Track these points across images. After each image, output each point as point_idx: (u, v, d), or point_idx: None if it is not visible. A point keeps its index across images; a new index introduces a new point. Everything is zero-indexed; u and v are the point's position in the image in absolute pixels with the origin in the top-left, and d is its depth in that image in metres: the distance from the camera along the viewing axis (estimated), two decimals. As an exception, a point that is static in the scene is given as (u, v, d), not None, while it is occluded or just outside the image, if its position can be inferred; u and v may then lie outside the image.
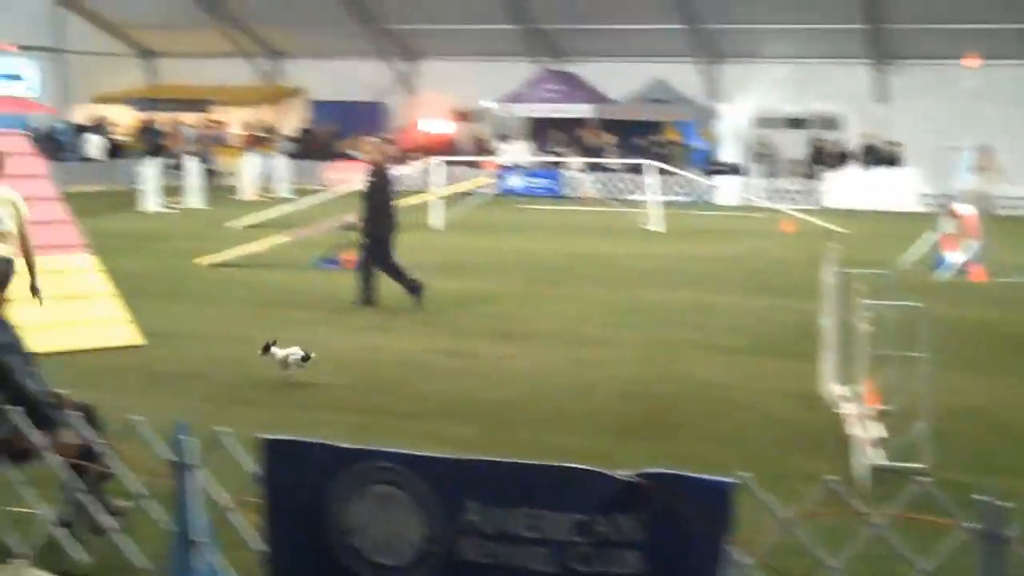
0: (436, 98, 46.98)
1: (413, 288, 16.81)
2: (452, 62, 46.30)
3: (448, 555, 5.61)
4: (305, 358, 11.91)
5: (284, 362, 11.88)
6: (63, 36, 47.38)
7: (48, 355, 10.44)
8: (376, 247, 16.80)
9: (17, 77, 45.59)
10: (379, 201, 16.81)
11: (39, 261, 11.55)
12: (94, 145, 43.67)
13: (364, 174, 17.31)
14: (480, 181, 34.99)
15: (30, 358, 7.40)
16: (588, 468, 5.61)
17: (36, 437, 6.77)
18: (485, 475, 5.66)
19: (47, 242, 13.50)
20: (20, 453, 6.89)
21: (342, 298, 17.14)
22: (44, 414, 6.93)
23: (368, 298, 16.77)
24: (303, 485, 5.84)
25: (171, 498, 6.50)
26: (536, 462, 5.90)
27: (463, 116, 47.11)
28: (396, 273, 16.87)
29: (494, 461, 5.83)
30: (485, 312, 16.48)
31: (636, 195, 35.99)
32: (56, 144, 42.12)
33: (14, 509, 7.03)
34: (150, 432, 6.57)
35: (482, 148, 44.40)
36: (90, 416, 7.17)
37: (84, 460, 6.83)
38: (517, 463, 5.82)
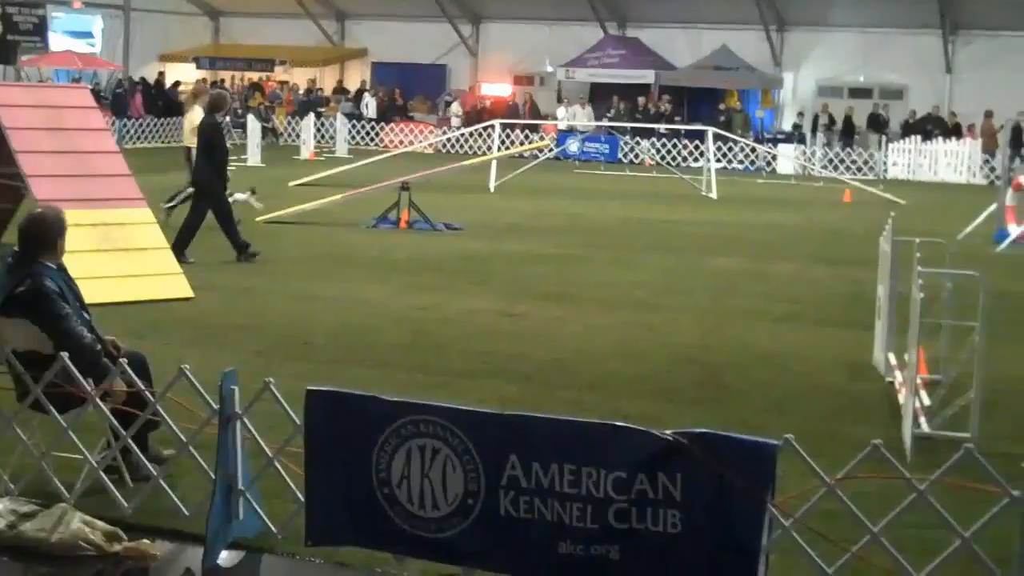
0: (498, 61, 46.85)
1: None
2: (515, 25, 46.13)
3: (486, 508, 5.61)
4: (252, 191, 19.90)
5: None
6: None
7: (102, 305, 10.56)
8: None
9: (85, 34, 45.92)
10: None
11: (99, 215, 11.69)
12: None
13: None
14: (537, 144, 34.90)
15: (83, 306, 7.46)
16: (630, 425, 5.58)
17: (83, 384, 6.84)
18: (527, 430, 5.65)
19: (107, 194, 13.62)
20: (68, 399, 6.95)
21: (396, 257, 17.21)
22: (93, 361, 6.99)
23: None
24: (346, 437, 5.85)
25: (215, 448, 6.54)
26: (579, 418, 5.88)
27: (524, 80, 46.97)
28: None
29: (537, 417, 5.81)
30: (538, 274, 16.42)
31: (697, 162, 35.78)
32: (117, 101, 42.43)
33: (60, 455, 7.09)
34: (195, 380, 6.62)
35: (541, 112, 44.25)
36: (138, 365, 7.22)
37: (131, 408, 6.89)
38: (560, 419, 5.80)
